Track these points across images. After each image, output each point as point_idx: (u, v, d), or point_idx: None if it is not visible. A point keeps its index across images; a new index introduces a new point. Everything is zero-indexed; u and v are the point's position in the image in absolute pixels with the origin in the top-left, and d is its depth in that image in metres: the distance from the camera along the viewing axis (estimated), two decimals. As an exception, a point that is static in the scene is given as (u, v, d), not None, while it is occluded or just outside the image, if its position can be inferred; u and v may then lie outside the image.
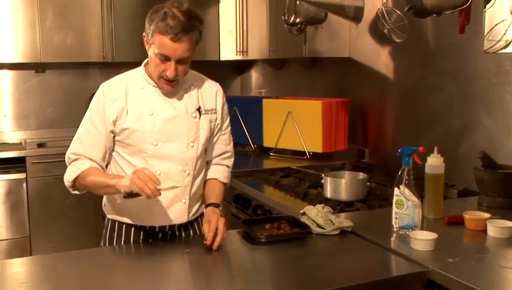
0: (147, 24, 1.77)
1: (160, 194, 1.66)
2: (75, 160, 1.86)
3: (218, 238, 1.74)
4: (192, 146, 1.89)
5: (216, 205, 1.90)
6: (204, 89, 1.96)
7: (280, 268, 1.68)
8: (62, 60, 4.12)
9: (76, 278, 1.58)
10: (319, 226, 1.88)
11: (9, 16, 3.92)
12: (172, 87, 1.84)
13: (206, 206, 1.91)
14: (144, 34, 1.81)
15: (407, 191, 1.82)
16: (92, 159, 1.85)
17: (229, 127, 2.06)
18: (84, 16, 4.09)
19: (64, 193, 3.82)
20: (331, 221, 1.89)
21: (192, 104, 1.90)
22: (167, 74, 1.77)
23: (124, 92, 1.85)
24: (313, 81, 3.80)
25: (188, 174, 1.90)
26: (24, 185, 3.83)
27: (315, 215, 1.91)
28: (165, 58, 1.76)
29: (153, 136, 1.84)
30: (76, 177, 1.83)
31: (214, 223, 1.76)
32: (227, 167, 2.07)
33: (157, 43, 1.74)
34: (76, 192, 1.90)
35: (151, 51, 1.79)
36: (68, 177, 1.86)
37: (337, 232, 1.86)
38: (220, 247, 1.75)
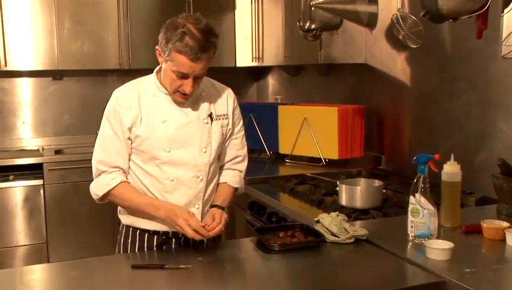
0: (163, 40, 1.77)
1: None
2: (103, 172, 1.89)
3: (216, 230, 1.80)
4: (205, 152, 1.91)
5: (220, 208, 1.92)
6: (215, 95, 1.98)
7: (294, 277, 1.67)
8: (79, 67, 4.18)
9: (91, 286, 1.59)
10: (333, 234, 1.87)
11: (27, 24, 3.98)
12: (186, 99, 1.87)
13: (212, 206, 1.94)
14: (157, 47, 1.81)
15: (422, 199, 1.80)
16: (118, 167, 1.88)
17: (242, 132, 2.07)
18: (101, 23, 4.14)
19: (80, 199, 3.89)
20: (346, 229, 1.87)
21: (203, 110, 1.92)
22: (184, 89, 1.80)
23: (137, 99, 1.87)
24: (329, 87, 3.79)
25: (201, 180, 1.91)
26: (41, 191, 3.87)
27: (329, 223, 1.90)
28: (183, 76, 1.78)
29: (166, 143, 1.85)
30: (107, 193, 1.87)
31: (218, 218, 1.83)
32: (239, 171, 2.07)
33: (175, 62, 1.75)
34: (102, 202, 1.94)
35: (168, 67, 1.79)
36: (97, 191, 1.89)
37: (351, 240, 1.85)
38: (220, 238, 1.92)
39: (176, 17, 1.79)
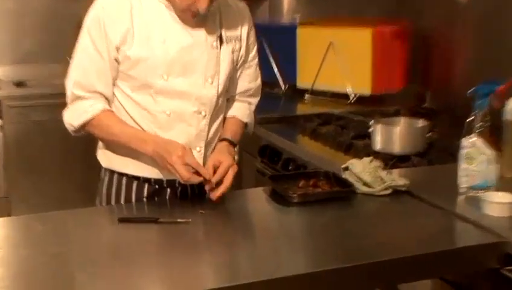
0: None
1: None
2: (79, 97, 1.89)
3: (222, 189, 1.80)
4: (212, 83, 1.91)
5: (231, 142, 1.95)
6: (227, 11, 1.97)
7: (316, 234, 1.70)
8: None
9: (61, 243, 1.61)
10: (365, 184, 1.89)
11: None
12: (195, 17, 1.85)
13: (220, 140, 1.97)
14: None
15: (480, 141, 1.81)
16: (98, 92, 1.88)
17: (256, 59, 2.08)
18: None
19: (47, 142, 3.91)
20: (381, 178, 1.90)
21: (212, 30, 1.91)
22: (198, 6, 1.79)
23: (129, 10, 1.85)
24: (362, 0, 3.73)
25: (204, 116, 1.93)
26: (0, 133, 3.91)
27: (361, 170, 1.92)
28: None
29: (163, 68, 1.85)
30: (84, 123, 1.88)
31: (223, 168, 1.82)
32: (249, 103, 2.10)
33: None
34: (77, 134, 1.96)
35: None
36: (71, 120, 1.90)
37: (388, 192, 1.87)
38: (223, 198, 1.82)
39: None
